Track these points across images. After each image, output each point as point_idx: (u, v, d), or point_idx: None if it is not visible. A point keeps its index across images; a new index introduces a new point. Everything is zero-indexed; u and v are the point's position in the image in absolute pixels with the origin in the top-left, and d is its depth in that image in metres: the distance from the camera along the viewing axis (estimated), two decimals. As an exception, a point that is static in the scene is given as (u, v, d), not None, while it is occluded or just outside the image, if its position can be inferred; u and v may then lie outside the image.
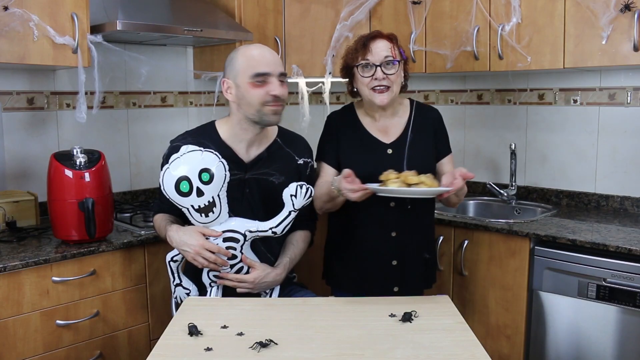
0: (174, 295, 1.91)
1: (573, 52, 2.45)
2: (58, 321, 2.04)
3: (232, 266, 1.83)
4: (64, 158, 2.14)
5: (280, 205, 1.81)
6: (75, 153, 2.14)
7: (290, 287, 2.02)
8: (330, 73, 3.10)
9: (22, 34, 2.12)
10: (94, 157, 2.17)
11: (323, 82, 3.18)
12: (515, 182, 2.94)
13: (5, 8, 2.06)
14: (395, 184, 1.78)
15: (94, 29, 2.33)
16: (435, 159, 2.11)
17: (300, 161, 2.01)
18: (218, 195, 1.76)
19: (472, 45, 2.71)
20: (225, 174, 1.76)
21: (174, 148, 1.86)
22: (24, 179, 2.56)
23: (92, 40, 2.30)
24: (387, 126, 2.08)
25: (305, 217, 2.02)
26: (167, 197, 1.76)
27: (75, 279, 2.08)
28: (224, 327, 1.51)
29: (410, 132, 2.06)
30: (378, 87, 1.96)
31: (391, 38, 2.00)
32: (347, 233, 2.09)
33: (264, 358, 1.34)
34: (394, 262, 2.05)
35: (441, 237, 2.63)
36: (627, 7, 2.27)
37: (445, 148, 2.13)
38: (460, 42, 2.77)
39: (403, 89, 2.07)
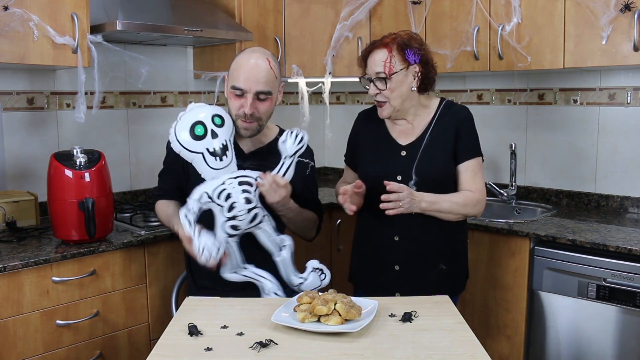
0: (199, 247, 1.71)
1: (573, 52, 2.45)
2: (58, 321, 2.05)
3: (249, 210, 1.80)
4: (64, 158, 2.14)
5: None
6: (75, 153, 2.15)
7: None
8: (330, 73, 3.09)
9: (22, 34, 2.13)
10: (94, 157, 2.18)
11: (323, 82, 3.18)
12: (515, 182, 2.94)
13: (5, 8, 2.06)
14: (303, 313, 1.50)
15: (94, 29, 2.33)
16: (455, 163, 1.96)
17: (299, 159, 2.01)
18: (229, 140, 1.80)
19: (472, 45, 2.71)
20: (233, 125, 1.84)
21: None
22: (24, 179, 2.56)
23: (92, 40, 2.30)
24: (409, 128, 2.00)
25: (312, 205, 2.02)
26: (179, 149, 1.76)
27: (75, 279, 2.08)
28: (224, 327, 1.51)
29: (428, 135, 1.96)
30: (379, 101, 1.94)
31: (391, 46, 1.89)
32: (361, 234, 2.10)
33: (264, 358, 1.34)
34: (396, 267, 1.99)
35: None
36: (627, 7, 2.27)
37: (465, 152, 1.95)
38: (460, 42, 2.77)
39: (423, 90, 1.97)
